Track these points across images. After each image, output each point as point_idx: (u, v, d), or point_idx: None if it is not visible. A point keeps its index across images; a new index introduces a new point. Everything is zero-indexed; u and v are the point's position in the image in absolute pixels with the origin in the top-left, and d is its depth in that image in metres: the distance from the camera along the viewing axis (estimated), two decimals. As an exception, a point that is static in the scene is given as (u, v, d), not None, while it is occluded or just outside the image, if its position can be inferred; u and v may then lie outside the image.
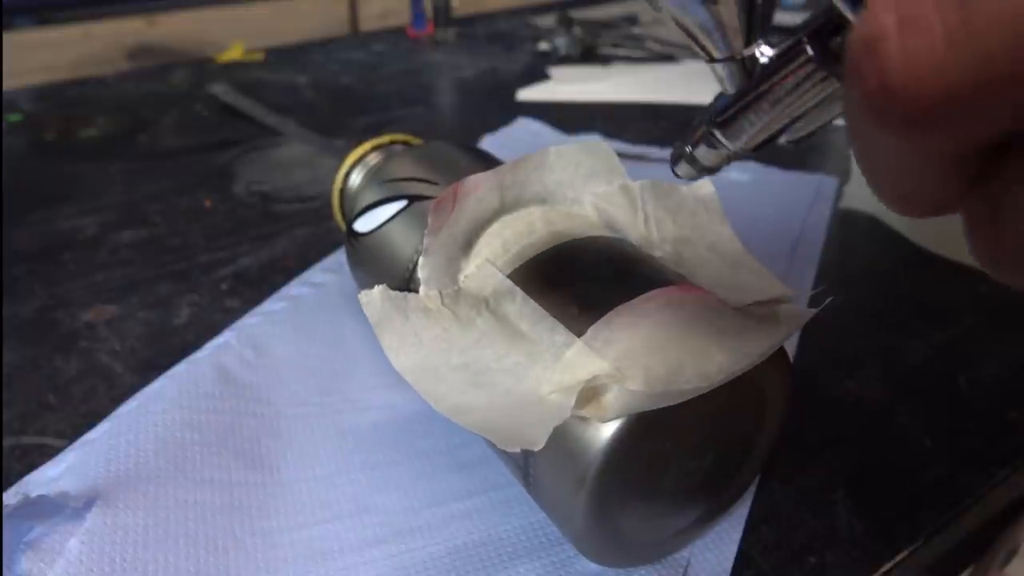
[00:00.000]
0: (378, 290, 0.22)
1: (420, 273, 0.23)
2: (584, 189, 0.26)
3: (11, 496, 0.24)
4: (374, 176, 0.31)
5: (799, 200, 0.44)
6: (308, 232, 0.43)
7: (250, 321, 0.34)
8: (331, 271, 0.38)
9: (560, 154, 0.25)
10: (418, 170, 0.30)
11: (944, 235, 0.40)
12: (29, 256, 0.41)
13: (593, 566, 0.23)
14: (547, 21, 0.85)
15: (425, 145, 0.33)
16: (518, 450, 0.18)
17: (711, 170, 0.21)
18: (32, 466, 0.26)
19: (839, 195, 0.45)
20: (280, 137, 0.56)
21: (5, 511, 0.22)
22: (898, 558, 0.24)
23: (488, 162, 0.30)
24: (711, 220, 0.25)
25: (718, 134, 0.19)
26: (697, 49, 0.18)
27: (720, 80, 0.19)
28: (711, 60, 0.18)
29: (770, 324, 0.21)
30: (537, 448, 0.18)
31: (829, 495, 0.26)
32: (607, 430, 0.19)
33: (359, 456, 0.28)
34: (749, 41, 0.17)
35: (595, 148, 0.26)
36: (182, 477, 0.25)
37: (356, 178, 0.34)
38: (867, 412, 0.30)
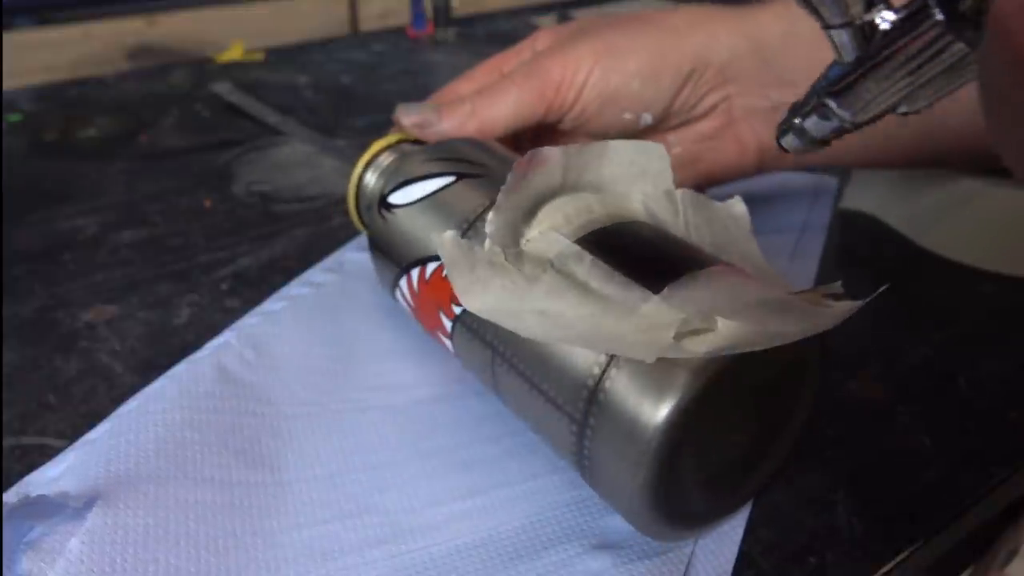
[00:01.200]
0: (449, 234, 0.23)
1: (487, 228, 0.23)
2: (633, 187, 0.26)
3: (11, 496, 0.24)
4: (414, 155, 0.31)
5: (799, 200, 0.44)
6: (308, 232, 0.43)
7: (250, 321, 0.34)
8: (331, 271, 0.38)
9: (617, 149, 0.26)
10: (463, 153, 0.30)
11: (944, 235, 0.40)
12: (29, 256, 0.41)
13: (594, 566, 0.23)
14: (547, 21, 0.85)
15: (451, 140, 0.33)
16: (578, 412, 0.20)
17: (821, 142, 0.21)
18: (32, 466, 0.26)
19: (839, 195, 0.45)
20: (280, 137, 0.56)
21: (5, 511, 0.22)
22: (898, 558, 0.24)
23: (507, 154, 0.31)
24: (739, 235, 0.26)
25: (832, 104, 0.19)
26: (810, 13, 0.17)
27: (834, 47, 0.18)
28: (826, 26, 0.17)
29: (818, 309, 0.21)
30: (649, 361, 0.19)
31: (829, 495, 0.26)
32: (675, 393, 0.19)
33: (359, 456, 0.28)
34: (870, 5, 0.16)
35: (649, 149, 0.26)
36: (183, 477, 0.25)
37: (372, 175, 0.34)
38: (867, 412, 0.30)
